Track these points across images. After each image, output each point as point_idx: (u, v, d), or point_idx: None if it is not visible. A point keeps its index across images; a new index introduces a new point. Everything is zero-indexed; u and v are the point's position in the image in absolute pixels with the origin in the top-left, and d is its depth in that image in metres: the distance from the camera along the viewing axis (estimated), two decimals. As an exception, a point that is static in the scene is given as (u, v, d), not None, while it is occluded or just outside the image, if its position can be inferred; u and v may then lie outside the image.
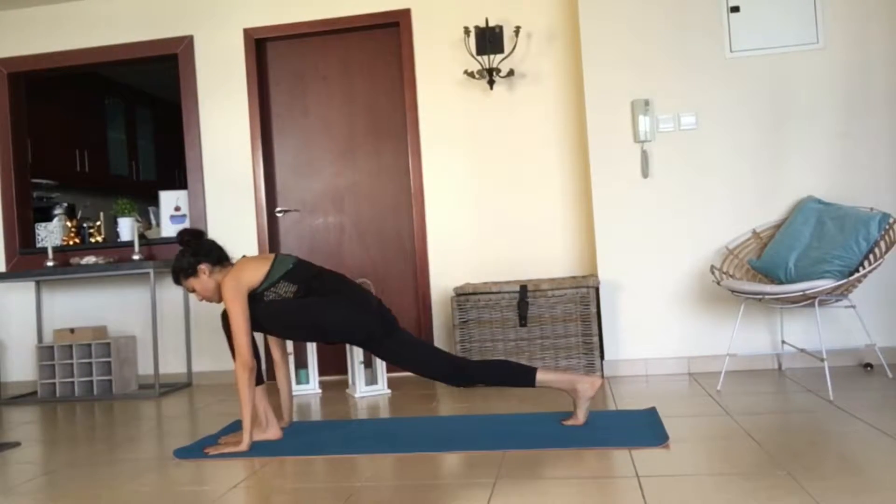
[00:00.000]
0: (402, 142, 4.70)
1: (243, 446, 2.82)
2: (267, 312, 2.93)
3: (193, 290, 3.03)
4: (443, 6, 4.57)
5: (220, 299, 3.04)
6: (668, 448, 2.52)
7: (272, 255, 3.03)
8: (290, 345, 3.95)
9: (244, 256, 3.07)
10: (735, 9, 4.00)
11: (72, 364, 4.63)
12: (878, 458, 2.26)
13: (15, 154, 5.08)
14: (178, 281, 3.03)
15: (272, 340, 3.21)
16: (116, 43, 4.94)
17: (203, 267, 2.97)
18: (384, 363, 4.03)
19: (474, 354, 4.02)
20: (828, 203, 3.75)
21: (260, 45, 4.85)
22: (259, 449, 2.85)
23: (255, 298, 2.95)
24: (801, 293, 3.28)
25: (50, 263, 4.74)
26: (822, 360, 3.28)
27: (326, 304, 2.93)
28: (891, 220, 3.38)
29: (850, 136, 3.90)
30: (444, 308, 4.56)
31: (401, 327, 3.06)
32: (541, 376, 2.85)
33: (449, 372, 2.93)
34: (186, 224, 4.92)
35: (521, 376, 2.88)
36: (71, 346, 4.62)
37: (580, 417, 2.89)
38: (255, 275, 2.93)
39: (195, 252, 2.99)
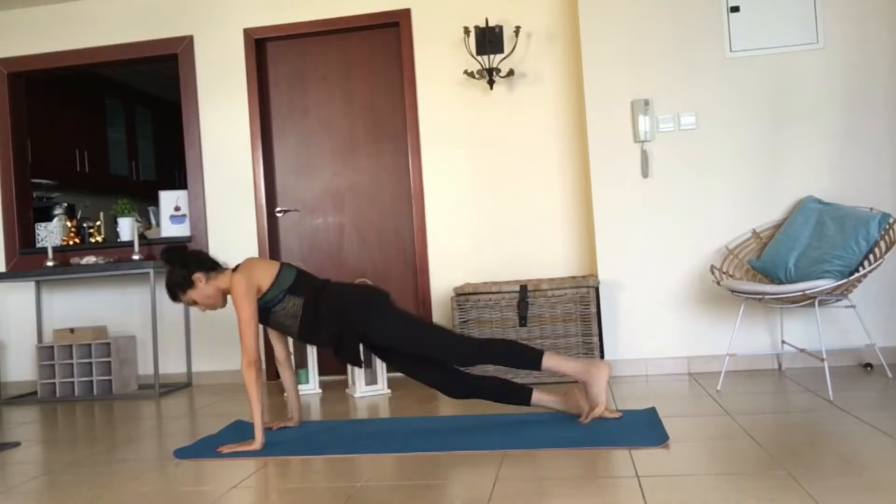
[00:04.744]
0: (402, 142, 4.70)
1: (256, 445, 2.82)
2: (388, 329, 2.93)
3: (194, 303, 3.00)
4: (443, 6, 4.57)
5: (224, 304, 3.03)
6: (668, 448, 2.52)
7: (278, 263, 3.01)
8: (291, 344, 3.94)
9: (250, 258, 3.06)
10: (735, 9, 4.00)
11: (72, 364, 4.63)
12: (878, 458, 2.26)
13: (15, 154, 5.08)
14: (176, 297, 2.99)
15: (275, 339, 3.21)
16: (116, 43, 4.94)
17: (198, 275, 2.95)
18: (384, 363, 4.03)
19: (474, 354, 4.01)
20: (828, 203, 3.75)
21: (260, 45, 4.85)
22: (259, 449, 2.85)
23: (262, 310, 2.94)
24: (801, 293, 3.28)
25: (50, 263, 4.74)
26: (822, 360, 3.28)
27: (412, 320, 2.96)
28: (891, 220, 3.38)
29: (850, 136, 3.90)
30: (444, 308, 4.55)
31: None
32: (547, 362, 2.85)
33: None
34: (186, 224, 4.92)
35: (528, 358, 2.88)
36: (71, 346, 4.62)
37: (600, 405, 2.87)
38: (264, 276, 2.92)
39: (185, 264, 2.96)
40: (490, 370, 3.92)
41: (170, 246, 3.02)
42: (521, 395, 2.96)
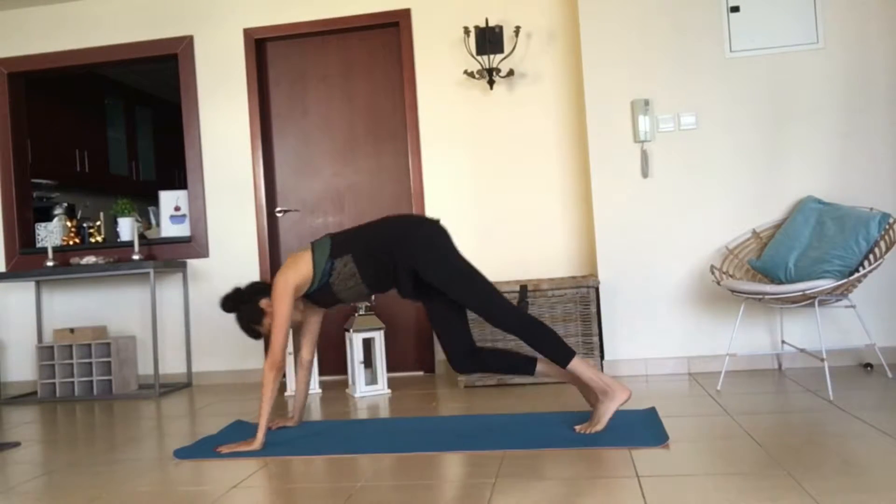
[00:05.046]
0: (402, 142, 4.70)
1: (257, 445, 2.82)
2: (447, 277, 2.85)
3: None
4: (443, 6, 4.57)
5: (300, 314, 3.05)
6: (668, 448, 2.52)
7: (309, 245, 3.00)
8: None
9: (290, 255, 3.08)
10: (735, 9, 4.00)
11: (72, 364, 4.63)
12: (878, 458, 2.26)
13: (15, 154, 5.08)
14: (257, 334, 3.01)
15: (306, 341, 3.22)
16: (116, 43, 4.94)
17: (264, 301, 2.97)
18: (384, 362, 4.03)
19: (474, 354, 4.01)
20: (828, 203, 3.75)
21: (260, 45, 4.85)
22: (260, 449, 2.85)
23: (323, 289, 2.94)
24: (801, 293, 3.28)
25: (50, 263, 4.74)
26: (822, 360, 3.28)
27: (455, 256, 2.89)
28: (891, 220, 3.38)
29: (850, 136, 3.90)
30: (444, 308, 4.55)
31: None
32: (575, 365, 2.79)
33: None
34: (186, 224, 4.92)
35: (556, 352, 2.81)
36: (71, 346, 4.62)
37: (601, 423, 2.78)
38: (302, 266, 2.91)
39: (245, 300, 2.98)
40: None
41: (223, 297, 3.02)
42: (526, 365, 2.93)
